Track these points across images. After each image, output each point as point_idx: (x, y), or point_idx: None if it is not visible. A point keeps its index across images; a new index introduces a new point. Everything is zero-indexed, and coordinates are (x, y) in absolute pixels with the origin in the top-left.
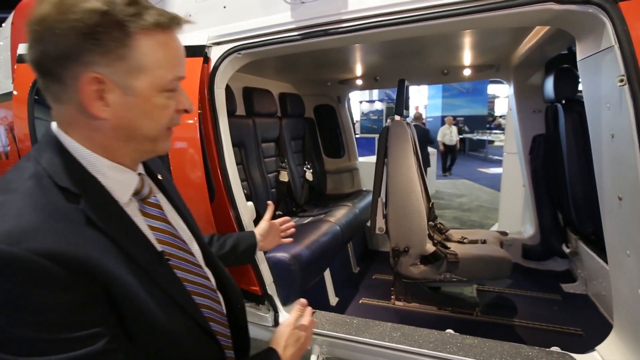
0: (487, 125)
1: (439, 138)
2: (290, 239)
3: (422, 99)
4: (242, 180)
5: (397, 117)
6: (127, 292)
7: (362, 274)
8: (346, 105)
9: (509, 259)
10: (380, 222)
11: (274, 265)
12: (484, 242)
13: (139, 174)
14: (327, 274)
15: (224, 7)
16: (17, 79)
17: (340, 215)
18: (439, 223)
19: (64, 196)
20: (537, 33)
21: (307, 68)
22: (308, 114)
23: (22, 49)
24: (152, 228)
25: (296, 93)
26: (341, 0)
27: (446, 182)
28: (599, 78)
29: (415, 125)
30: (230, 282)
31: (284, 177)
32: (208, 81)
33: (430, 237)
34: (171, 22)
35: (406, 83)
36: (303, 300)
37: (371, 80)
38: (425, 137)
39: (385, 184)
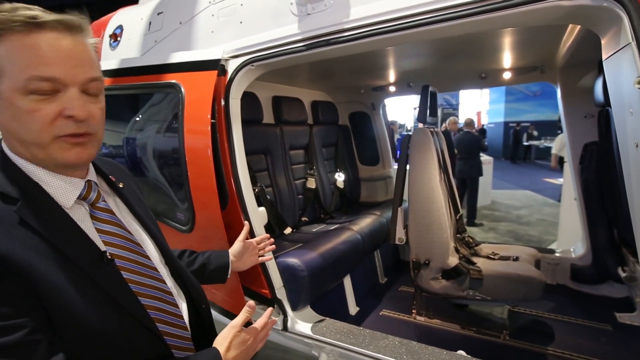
0: (558, 132)
1: (554, 150)
2: (269, 257)
3: (483, 103)
4: (267, 187)
5: (420, 125)
6: (54, 291)
7: (388, 285)
8: (381, 112)
9: (540, 279)
10: (400, 233)
11: (283, 270)
12: (516, 259)
13: (88, 181)
14: (347, 283)
15: (241, 22)
16: None
17: (365, 224)
18: (468, 236)
19: (1, 199)
20: (575, 28)
21: (340, 75)
22: (343, 121)
23: None
24: (99, 231)
25: (330, 101)
26: (344, 10)
27: (505, 192)
28: (621, 79)
29: (466, 132)
30: (193, 284)
31: (312, 183)
32: (224, 92)
33: (458, 252)
34: (31, 22)
35: (431, 89)
36: (251, 303)
37: (405, 87)
38: (475, 144)
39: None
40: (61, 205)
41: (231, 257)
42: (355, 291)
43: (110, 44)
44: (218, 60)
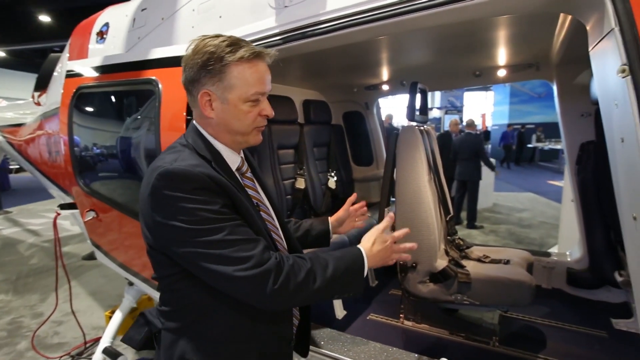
0: None
1: None
2: (362, 223)
3: (487, 105)
4: None
5: (409, 123)
6: (241, 212)
7: (378, 288)
8: (374, 112)
9: (530, 283)
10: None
11: None
12: (506, 262)
13: (241, 157)
14: None
15: (220, 16)
16: (65, 91)
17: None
18: (458, 238)
19: (203, 160)
20: (565, 22)
21: (333, 74)
22: (337, 121)
23: (70, 65)
24: (247, 190)
25: (323, 100)
26: (321, 1)
27: (507, 195)
28: (606, 70)
29: (467, 134)
30: (296, 245)
31: (301, 184)
32: None
33: (447, 254)
34: (253, 55)
35: (420, 86)
36: (392, 214)
37: (398, 85)
38: (474, 146)
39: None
40: (230, 167)
41: (333, 222)
42: None
43: (97, 41)
44: None
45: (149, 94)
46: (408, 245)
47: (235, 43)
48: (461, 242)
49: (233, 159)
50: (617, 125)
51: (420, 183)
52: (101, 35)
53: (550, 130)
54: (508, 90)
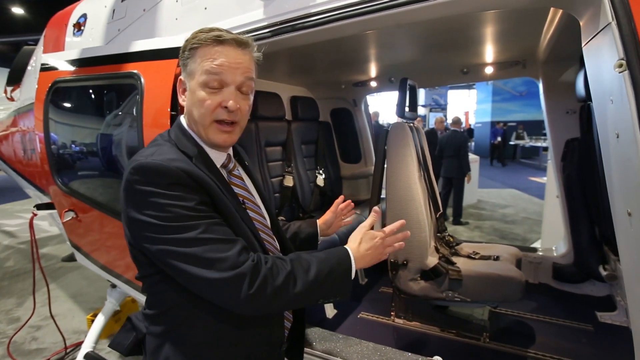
0: (544, 131)
1: None
2: (349, 219)
3: (471, 103)
4: None
5: (398, 119)
6: (221, 210)
7: (369, 286)
8: (362, 109)
9: (520, 279)
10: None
11: None
12: (496, 258)
13: (228, 154)
14: None
15: (205, 8)
16: (40, 85)
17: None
18: (448, 235)
19: (184, 155)
20: (554, 19)
21: (320, 70)
22: (324, 118)
23: (45, 58)
24: (234, 187)
25: (310, 96)
26: None
27: (491, 191)
28: (601, 65)
29: (453, 131)
30: (290, 247)
31: (289, 181)
32: None
33: (438, 251)
34: (213, 39)
35: (410, 82)
36: (376, 208)
37: (386, 82)
38: (459, 143)
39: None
40: (215, 163)
41: (321, 225)
42: None
43: (73, 33)
44: (179, 49)
45: (131, 88)
46: (400, 235)
47: (208, 30)
48: (451, 239)
49: (217, 155)
50: (612, 120)
51: (410, 180)
52: (78, 27)
53: (530, 128)
54: (490, 88)
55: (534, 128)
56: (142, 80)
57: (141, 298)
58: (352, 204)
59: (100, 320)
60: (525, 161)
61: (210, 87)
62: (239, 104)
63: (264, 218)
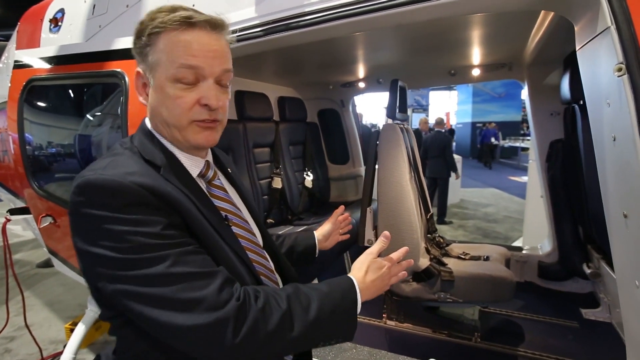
0: (522, 132)
1: None
2: (347, 236)
3: (452, 104)
4: None
5: (389, 121)
6: (197, 231)
7: None
8: (350, 110)
9: (511, 279)
10: (369, 234)
11: None
12: (486, 258)
13: (207, 161)
14: None
15: (193, 5)
16: (13, 84)
17: None
18: (439, 236)
19: (149, 166)
20: (544, 22)
21: (308, 70)
22: (311, 119)
23: (18, 55)
24: (215, 200)
25: (298, 97)
26: None
27: (473, 190)
28: (598, 69)
29: (437, 132)
30: (286, 265)
31: (277, 183)
32: None
33: (428, 252)
34: (181, 20)
35: (400, 84)
36: (387, 233)
37: (374, 83)
38: (444, 143)
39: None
40: (190, 173)
41: (319, 237)
42: None
43: (50, 29)
44: None
45: (113, 87)
46: (404, 263)
47: (170, 9)
48: (441, 240)
49: (192, 163)
50: (609, 123)
51: (402, 182)
52: (55, 22)
53: (509, 128)
54: (471, 90)
55: (513, 128)
56: (127, 79)
57: None
58: (350, 217)
59: (80, 330)
60: (505, 161)
61: (184, 82)
62: (220, 100)
63: (253, 235)
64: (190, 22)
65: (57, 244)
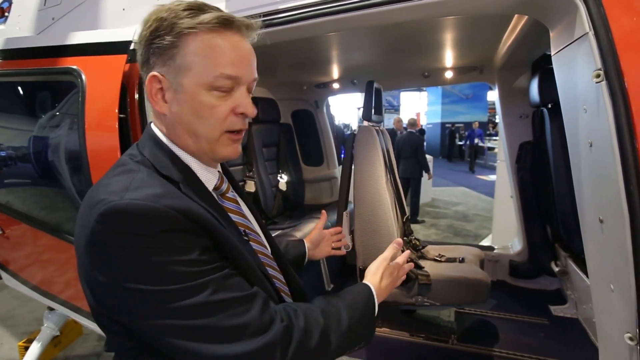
0: (488, 132)
1: None
2: (341, 251)
3: (422, 105)
4: None
5: (365, 123)
6: (230, 248)
7: (335, 291)
8: (324, 111)
9: (487, 281)
10: (346, 239)
11: None
12: (462, 260)
13: (219, 172)
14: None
15: None
16: None
17: (308, 229)
18: (414, 239)
19: (169, 183)
20: (516, 27)
21: (282, 71)
22: (285, 120)
23: None
24: (232, 215)
25: (271, 98)
26: None
27: (444, 189)
28: (574, 74)
29: (410, 132)
30: (293, 275)
31: (251, 187)
32: (138, 82)
33: None
34: (220, 22)
35: (376, 85)
36: (399, 240)
37: (348, 84)
38: (416, 144)
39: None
40: (207, 187)
41: (308, 245)
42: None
43: None
44: (128, 43)
45: (69, 86)
46: (407, 267)
47: (197, 7)
48: (417, 243)
49: (208, 176)
50: (585, 129)
51: (379, 185)
52: (1, 12)
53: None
54: (440, 91)
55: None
56: (84, 77)
57: (86, 322)
58: (345, 234)
59: (35, 349)
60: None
61: (221, 90)
62: (253, 107)
63: (266, 248)
64: (228, 22)
65: (6, 257)
